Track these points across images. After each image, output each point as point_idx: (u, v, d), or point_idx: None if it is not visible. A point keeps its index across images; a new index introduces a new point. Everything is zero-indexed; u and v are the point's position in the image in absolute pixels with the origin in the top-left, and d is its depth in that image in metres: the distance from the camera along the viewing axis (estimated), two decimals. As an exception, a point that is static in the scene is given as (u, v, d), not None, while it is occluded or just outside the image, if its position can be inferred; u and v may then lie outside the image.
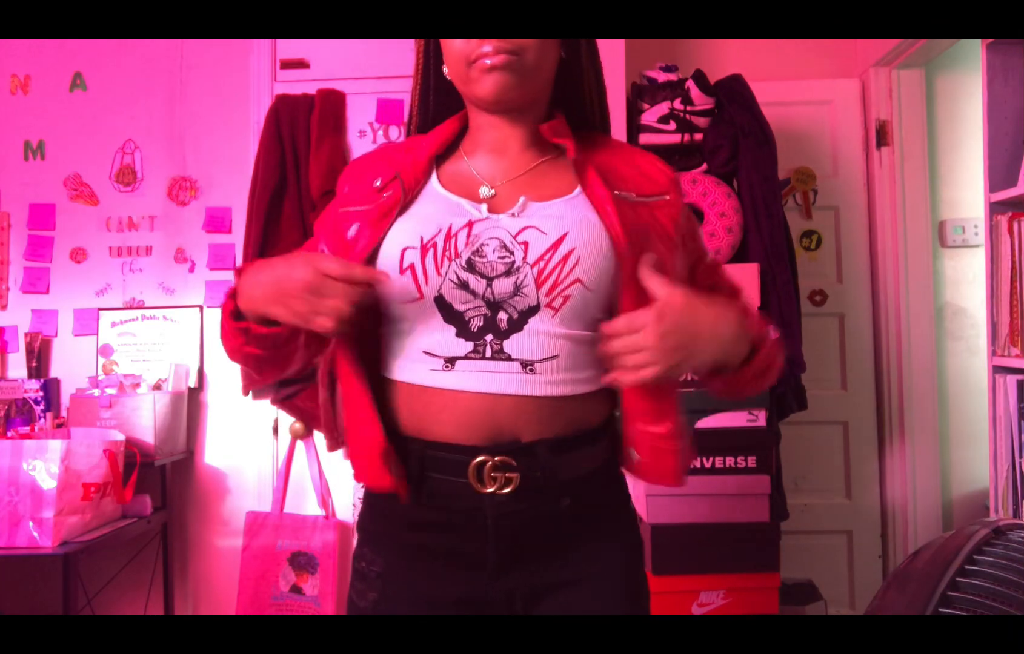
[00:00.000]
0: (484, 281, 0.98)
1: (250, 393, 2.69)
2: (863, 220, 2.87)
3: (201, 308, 2.90)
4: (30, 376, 2.84)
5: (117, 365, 2.85)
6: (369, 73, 2.79)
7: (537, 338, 0.98)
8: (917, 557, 0.96)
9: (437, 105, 1.12)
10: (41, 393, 2.80)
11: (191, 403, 2.85)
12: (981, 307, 2.70)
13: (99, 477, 2.37)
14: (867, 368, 2.85)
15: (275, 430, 2.80)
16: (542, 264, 0.98)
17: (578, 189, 1.03)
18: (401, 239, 1.00)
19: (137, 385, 2.70)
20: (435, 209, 1.03)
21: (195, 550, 2.89)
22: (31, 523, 2.21)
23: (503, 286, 0.98)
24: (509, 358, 0.98)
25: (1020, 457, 2.07)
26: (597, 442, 1.06)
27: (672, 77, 2.58)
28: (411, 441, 1.01)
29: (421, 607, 0.97)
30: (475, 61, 0.98)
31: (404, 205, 1.03)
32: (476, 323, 0.98)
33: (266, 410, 2.76)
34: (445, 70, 1.06)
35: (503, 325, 0.98)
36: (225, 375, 2.86)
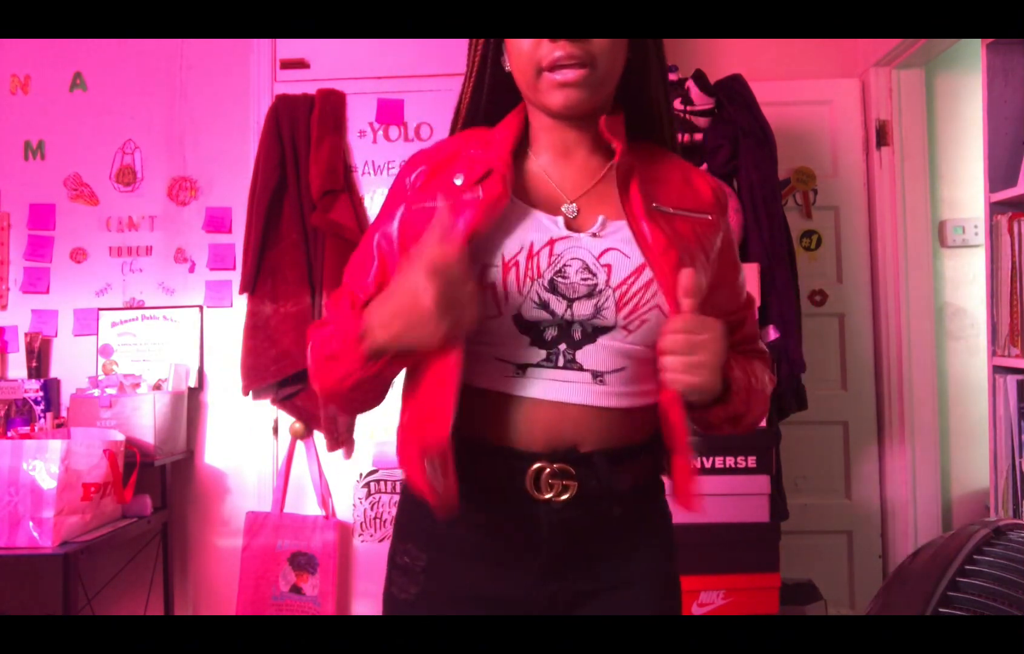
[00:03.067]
0: (565, 302, 0.98)
1: (250, 393, 2.69)
2: (863, 220, 2.87)
3: (201, 308, 2.90)
4: (30, 376, 2.84)
5: (117, 365, 2.85)
6: (369, 73, 2.79)
7: (608, 351, 0.99)
8: (917, 557, 0.96)
9: (491, 101, 1.08)
10: (41, 393, 2.80)
11: (191, 403, 2.85)
12: (981, 307, 2.70)
13: (99, 477, 2.37)
14: (867, 368, 2.85)
15: (275, 430, 2.81)
16: (624, 289, 0.99)
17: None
18: (481, 254, 0.98)
19: (137, 385, 2.70)
20: (515, 222, 1.01)
21: (195, 550, 2.89)
22: (31, 523, 2.21)
23: (583, 308, 0.98)
24: (581, 368, 0.99)
25: (1020, 457, 2.07)
26: (648, 454, 1.06)
27: (672, 77, 2.58)
28: (470, 443, 1.00)
29: (462, 604, 0.98)
30: (547, 69, 0.97)
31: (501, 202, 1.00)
32: (551, 333, 0.99)
33: (266, 410, 2.77)
34: (506, 66, 1.03)
35: (577, 336, 0.99)
36: (225, 375, 2.86)
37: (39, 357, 2.87)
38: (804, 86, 2.87)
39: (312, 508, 2.76)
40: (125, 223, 2.94)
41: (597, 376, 1.00)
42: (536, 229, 1.00)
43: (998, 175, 2.17)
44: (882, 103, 2.81)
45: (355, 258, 1.10)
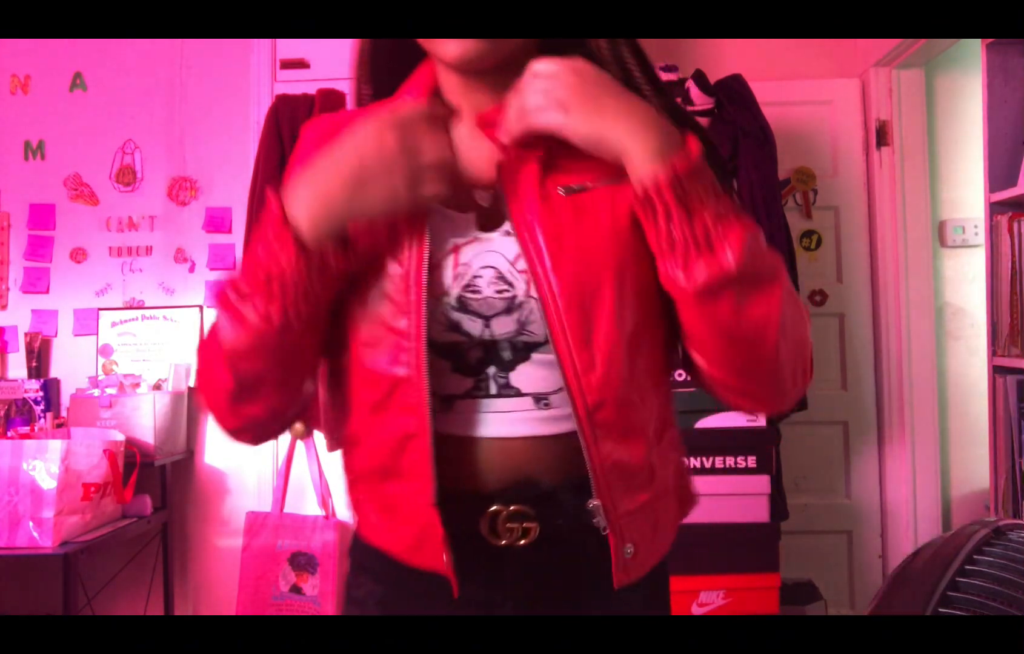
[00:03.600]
0: (480, 321, 0.81)
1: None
2: (863, 220, 2.87)
3: (201, 308, 2.90)
4: (30, 376, 2.84)
5: (117, 365, 2.85)
6: (369, 73, 2.78)
7: (547, 368, 0.81)
8: (917, 557, 0.96)
9: (392, 61, 0.90)
10: (41, 393, 2.80)
11: (191, 403, 2.85)
12: (981, 307, 2.70)
13: (99, 477, 2.37)
14: (867, 368, 2.85)
15: (275, 430, 2.80)
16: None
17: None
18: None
19: (137, 385, 2.70)
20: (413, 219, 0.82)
21: (195, 550, 2.89)
22: (31, 523, 2.21)
23: (503, 324, 0.81)
24: (519, 393, 0.82)
25: (1020, 457, 2.07)
26: None
27: (672, 77, 2.58)
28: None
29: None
30: None
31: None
32: (474, 354, 0.81)
33: (266, 410, 2.76)
34: None
35: (506, 355, 0.81)
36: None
37: (39, 357, 2.87)
38: (804, 86, 2.87)
39: (312, 508, 2.76)
40: (125, 223, 2.94)
41: (540, 399, 0.82)
42: (439, 231, 0.81)
43: (998, 175, 2.17)
44: (882, 103, 2.81)
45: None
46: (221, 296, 0.79)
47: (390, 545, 0.86)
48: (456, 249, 0.81)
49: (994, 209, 2.19)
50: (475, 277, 0.81)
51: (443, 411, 0.81)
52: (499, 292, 0.80)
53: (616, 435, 0.81)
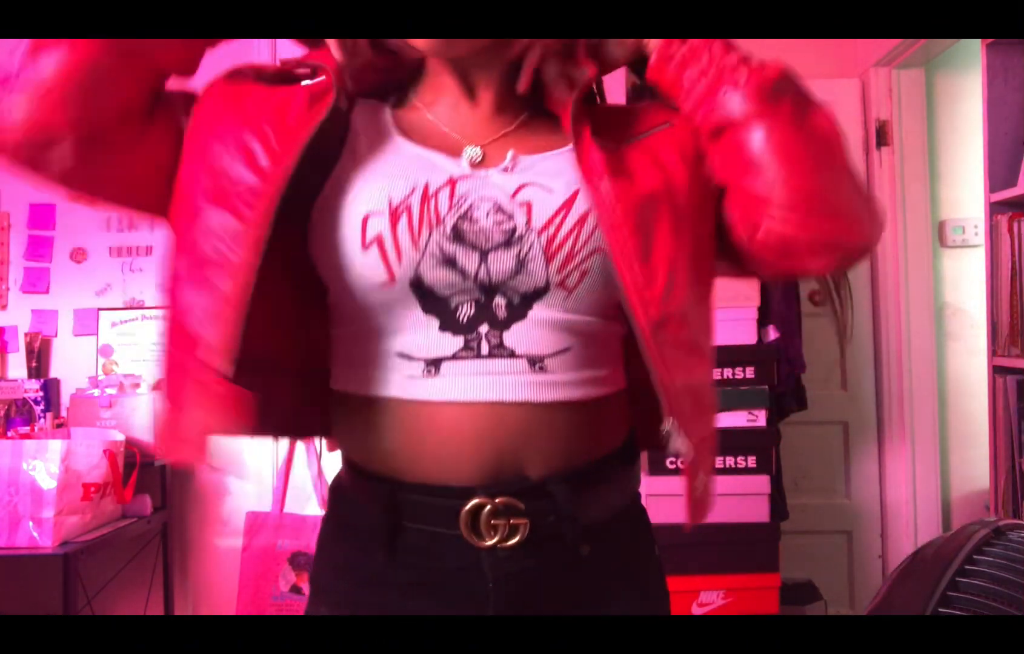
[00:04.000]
0: (477, 254, 0.74)
1: (250, 393, 2.69)
2: (863, 220, 2.86)
3: (201, 308, 2.90)
4: (30, 376, 2.84)
5: (117, 365, 2.85)
6: (369, 73, 2.78)
7: (545, 327, 0.76)
8: (917, 557, 0.97)
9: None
10: (41, 393, 2.80)
11: (191, 403, 2.85)
12: (981, 307, 2.70)
13: (99, 477, 2.37)
14: (867, 368, 2.85)
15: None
16: (552, 230, 0.75)
17: (572, 145, 0.79)
18: (362, 201, 0.75)
19: (137, 385, 2.70)
20: (403, 162, 0.78)
21: (195, 550, 2.89)
22: (31, 523, 2.21)
23: (502, 260, 0.75)
24: (512, 353, 0.75)
25: (1020, 457, 2.07)
26: (621, 470, 0.86)
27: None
28: (378, 482, 0.78)
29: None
30: None
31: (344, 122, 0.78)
32: (465, 312, 0.76)
33: (266, 410, 2.76)
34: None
35: (501, 312, 0.76)
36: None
37: (39, 357, 2.87)
38: (804, 86, 2.87)
39: (312, 508, 2.76)
40: (125, 223, 2.94)
41: (535, 362, 0.76)
42: (430, 169, 0.77)
43: (998, 175, 2.17)
44: (882, 103, 2.81)
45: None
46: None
47: None
48: (452, 182, 0.76)
49: (994, 209, 2.19)
50: (472, 207, 0.75)
51: (430, 375, 0.75)
52: (498, 223, 0.75)
53: (682, 352, 0.77)
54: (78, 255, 2.94)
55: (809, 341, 2.62)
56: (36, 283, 2.93)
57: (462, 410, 0.75)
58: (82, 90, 0.72)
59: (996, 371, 2.17)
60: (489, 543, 0.75)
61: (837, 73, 2.90)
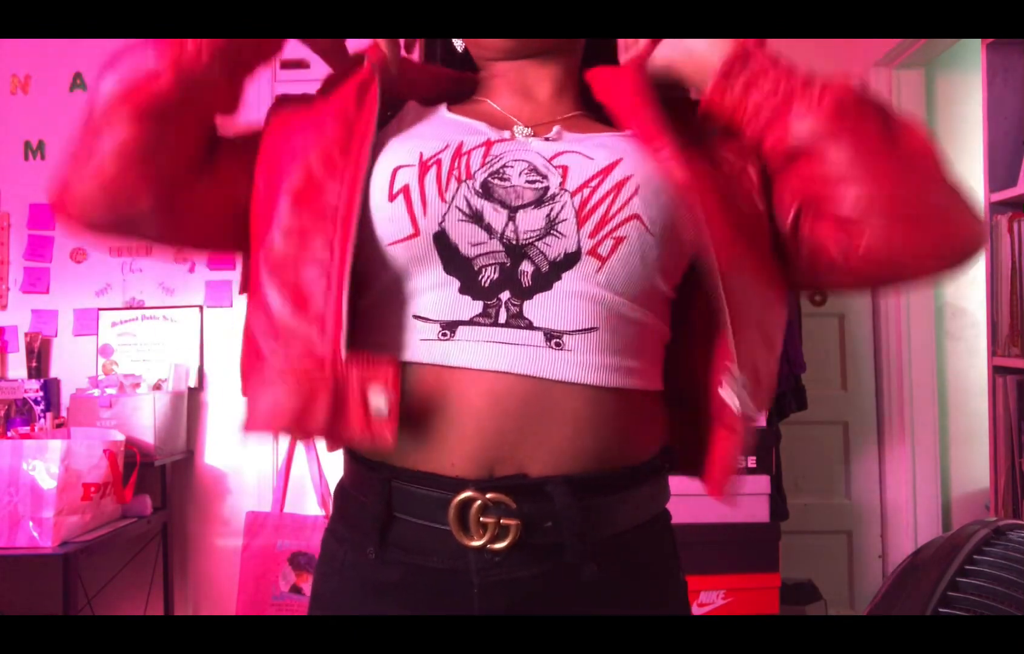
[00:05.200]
0: (505, 212, 0.70)
1: (250, 393, 2.69)
2: (863, 220, 2.86)
3: (201, 308, 2.90)
4: (30, 376, 2.84)
5: (117, 365, 2.85)
6: (369, 73, 2.79)
7: (571, 301, 0.70)
8: (917, 557, 0.97)
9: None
10: (41, 393, 2.80)
11: (191, 403, 2.85)
12: (981, 307, 2.70)
13: (99, 477, 2.37)
14: (867, 368, 2.86)
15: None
16: (587, 192, 0.71)
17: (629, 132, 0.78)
18: (393, 157, 0.74)
19: (137, 385, 2.70)
20: (443, 126, 0.79)
21: (195, 550, 2.89)
22: (31, 523, 2.21)
23: (531, 220, 0.70)
24: (530, 325, 0.70)
25: (1020, 457, 2.07)
26: (645, 486, 0.77)
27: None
28: (375, 470, 0.75)
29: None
30: None
31: (388, 119, 0.79)
32: (489, 275, 0.71)
33: (266, 410, 2.76)
34: (460, 47, 0.90)
35: (526, 280, 0.70)
36: (225, 375, 2.86)
37: (39, 357, 2.87)
38: (804, 86, 2.87)
39: (312, 508, 2.76)
40: (125, 223, 2.94)
41: (552, 337, 0.70)
42: (469, 132, 0.77)
43: (998, 175, 2.17)
44: (882, 103, 2.80)
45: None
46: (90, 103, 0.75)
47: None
48: (489, 143, 0.75)
49: (994, 209, 2.19)
50: (505, 167, 0.72)
51: (444, 338, 0.71)
52: (530, 182, 0.71)
53: (757, 302, 0.76)
54: (78, 255, 2.94)
55: (809, 341, 2.62)
56: (36, 283, 2.93)
57: (470, 378, 0.70)
58: (148, 154, 0.73)
59: (996, 371, 2.17)
60: (477, 543, 0.70)
61: (837, 73, 2.90)
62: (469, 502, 0.70)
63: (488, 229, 0.71)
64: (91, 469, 2.34)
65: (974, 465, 2.82)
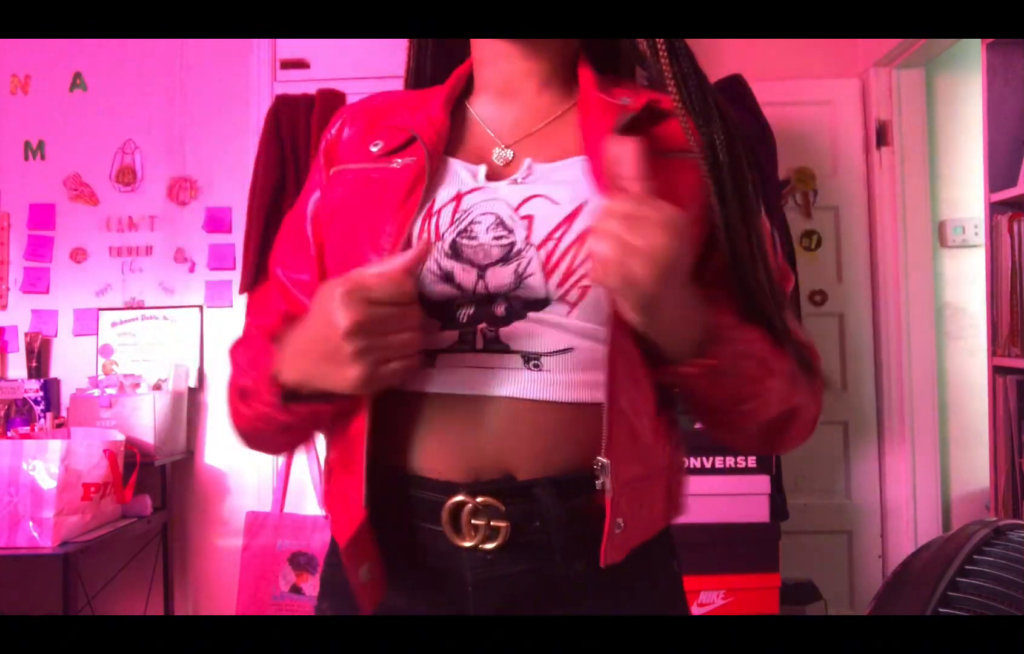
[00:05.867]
0: (474, 271, 0.74)
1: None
2: (863, 220, 2.87)
3: (201, 308, 2.90)
4: (30, 376, 2.84)
5: (117, 365, 2.85)
6: (369, 73, 2.79)
7: (545, 327, 0.74)
8: (917, 557, 0.97)
9: (435, 67, 0.92)
10: (41, 393, 2.80)
11: (191, 403, 2.85)
12: (981, 307, 2.70)
13: (99, 477, 2.37)
14: (867, 368, 2.85)
15: (275, 430, 2.80)
16: (551, 245, 0.74)
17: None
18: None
19: (137, 385, 2.70)
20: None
21: (195, 550, 2.89)
22: (31, 523, 2.21)
23: (500, 276, 0.74)
24: (507, 349, 0.74)
25: (1020, 457, 2.07)
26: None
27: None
28: (384, 472, 0.78)
29: None
30: None
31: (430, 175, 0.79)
32: (465, 313, 0.76)
33: (266, 410, 2.76)
34: None
35: (501, 311, 0.75)
36: (225, 375, 2.86)
37: (39, 357, 2.87)
38: (804, 86, 2.87)
39: (312, 508, 2.76)
40: (125, 223, 2.94)
41: (530, 359, 0.74)
42: (447, 183, 0.79)
43: (998, 175, 2.17)
44: (882, 103, 2.81)
45: (277, 240, 0.91)
46: (230, 377, 0.85)
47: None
48: (459, 197, 0.77)
49: (994, 209, 2.19)
50: (473, 223, 0.75)
51: (425, 367, 0.75)
52: (497, 239, 0.74)
53: (629, 393, 0.75)
54: (78, 255, 2.94)
55: (809, 341, 2.61)
56: (36, 283, 2.93)
57: (453, 402, 0.75)
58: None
59: (996, 371, 2.17)
60: (469, 543, 0.74)
61: (837, 73, 2.90)
62: (460, 505, 0.74)
63: (460, 287, 0.75)
64: (91, 469, 2.34)
65: (974, 465, 2.82)
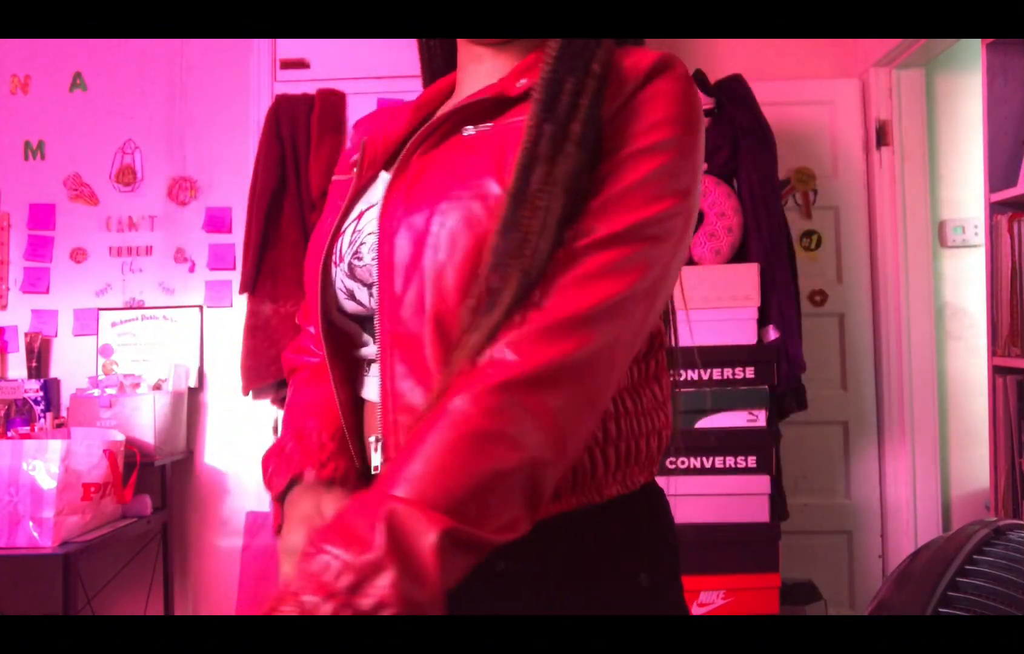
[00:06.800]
0: (366, 289, 0.77)
1: (250, 393, 2.69)
2: (863, 220, 2.87)
3: (201, 308, 2.90)
4: (30, 376, 2.84)
5: (117, 365, 2.85)
6: (369, 73, 2.79)
7: None
8: (917, 557, 0.96)
9: (448, 66, 0.92)
10: (41, 393, 2.80)
11: (191, 403, 2.85)
12: (981, 307, 2.70)
13: (99, 477, 2.37)
14: (867, 368, 2.86)
15: (275, 430, 2.80)
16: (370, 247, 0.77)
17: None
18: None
19: (137, 385, 2.70)
20: (361, 193, 0.83)
21: (195, 550, 2.89)
22: (31, 523, 2.21)
23: None
24: None
25: (1020, 457, 2.07)
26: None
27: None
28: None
29: None
30: None
31: (359, 189, 0.81)
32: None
33: (266, 410, 2.77)
34: None
35: None
36: (225, 375, 2.86)
37: (39, 357, 2.87)
38: (804, 86, 2.87)
39: (312, 508, 2.76)
40: (125, 223, 2.94)
41: None
42: (366, 198, 0.80)
43: (998, 175, 2.17)
44: (882, 103, 2.81)
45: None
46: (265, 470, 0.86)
47: None
48: (360, 215, 0.79)
49: (994, 209, 2.19)
50: (362, 244, 0.76)
51: (367, 374, 0.81)
52: (375, 258, 0.74)
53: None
54: (78, 255, 2.94)
55: (809, 341, 2.62)
56: (36, 283, 2.93)
57: (372, 409, 0.80)
58: None
59: (996, 371, 2.17)
60: None
61: (837, 73, 2.90)
62: None
63: (362, 304, 0.78)
64: (91, 469, 2.34)
65: (974, 465, 2.82)
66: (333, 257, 0.79)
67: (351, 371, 0.83)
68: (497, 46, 0.81)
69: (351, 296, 0.78)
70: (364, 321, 0.80)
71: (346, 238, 0.79)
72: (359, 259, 0.76)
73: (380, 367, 0.74)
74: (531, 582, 0.74)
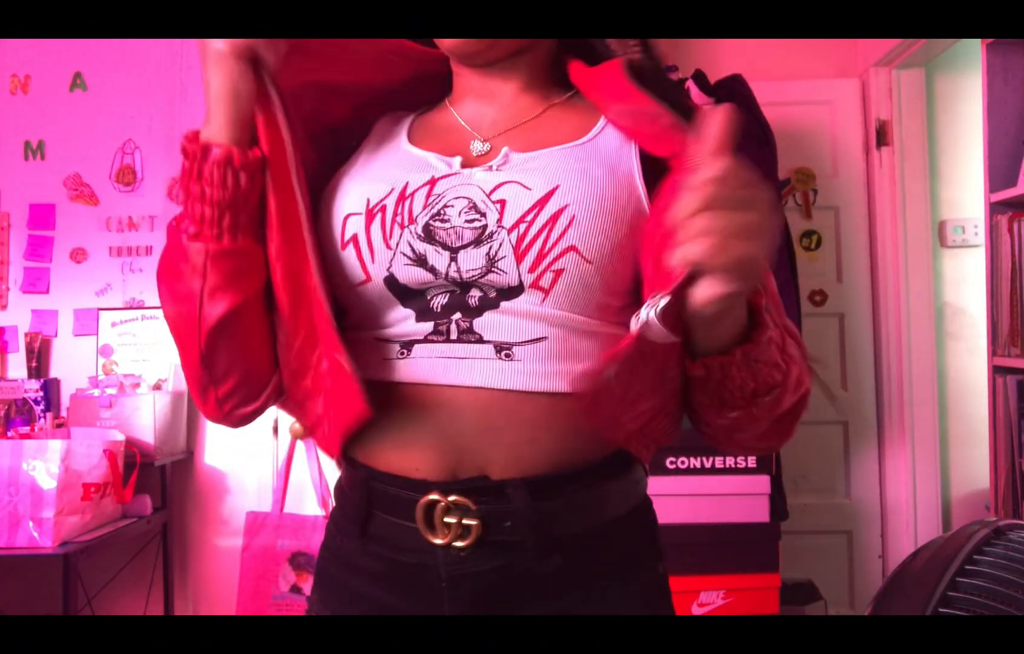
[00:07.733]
0: (447, 254, 0.74)
1: (250, 393, 2.69)
2: (863, 220, 2.87)
3: (201, 308, 2.90)
4: (30, 376, 2.84)
5: (117, 365, 2.85)
6: (369, 73, 2.78)
7: (519, 318, 0.74)
8: (917, 557, 0.96)
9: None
10: (41, 393, 2.80)
11: (191, 403, 2.85)
12: (981, 307, 2.70)
13: (99, 477, 2.37)
14: (867, 368, 2.85)
15: (275, 430, 2.81)
16: (523, 227, 0.73)
17: (594, 129, 0.80)
18: (344, 204, 0.79)
19: (137, 385, 2.70)
20: (393, 164, 0.82)
21: (195, 550, 2.89)
22: (31, 523, 2.21)
23: (472, 259, 0.74)
24: (480, 339, 0.74)
25: (1020, 457, 2.07)
26: (607, 482, 0.79)
27: (672, 77, 2.58)
28: (358, 468, 0.80)
29: None
30: None
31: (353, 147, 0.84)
32: (439, 302, 0.76)
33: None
34: None
35: (474, 302, 0.75)
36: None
37: (39, 357, 2.87)
38: (804, 86, 2.87)
39: (312, 508, 2.76)
40: (125, 223, 2.94)
41: (502, 349, 0.74)
42: (418, 169, 0.80)
43: (998, 175, 2.17)
44: (882, 103, 2.81)
45: None
46: (173, 236, 0.80)
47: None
48: (432, 181, 0.78)
49: (994, 209, 2.19)
50: (446, 207, 0.75)
51: (401, 356, 0.77)
52: (469, 222, 0.74)
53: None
54: (78, 255, 2.94)
55: (809, 341, 2.61)
56: (36, 283, 2.93)
57: (427, 392, 0.75)
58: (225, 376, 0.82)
59: (996, 371, 2.17)
60: (442, 541, 0.74)
61: (837, 73, 2.90)
62: (433, 504, 0.74)
63: (432, 271, 0.75)
64: (91, 469, 2.34)
65: (974, 465, 2.82)
66: (387, 220, 0.76)
67: (366, 354, 0.78)
68: (504, 67, 0.85)
69: (419, 261, 0.75)
70: (416, 298, 0.76)
71: (417, 202, 0.76)
72: (443, 221, 0.75)
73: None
74: (580, 577, 0.77)
